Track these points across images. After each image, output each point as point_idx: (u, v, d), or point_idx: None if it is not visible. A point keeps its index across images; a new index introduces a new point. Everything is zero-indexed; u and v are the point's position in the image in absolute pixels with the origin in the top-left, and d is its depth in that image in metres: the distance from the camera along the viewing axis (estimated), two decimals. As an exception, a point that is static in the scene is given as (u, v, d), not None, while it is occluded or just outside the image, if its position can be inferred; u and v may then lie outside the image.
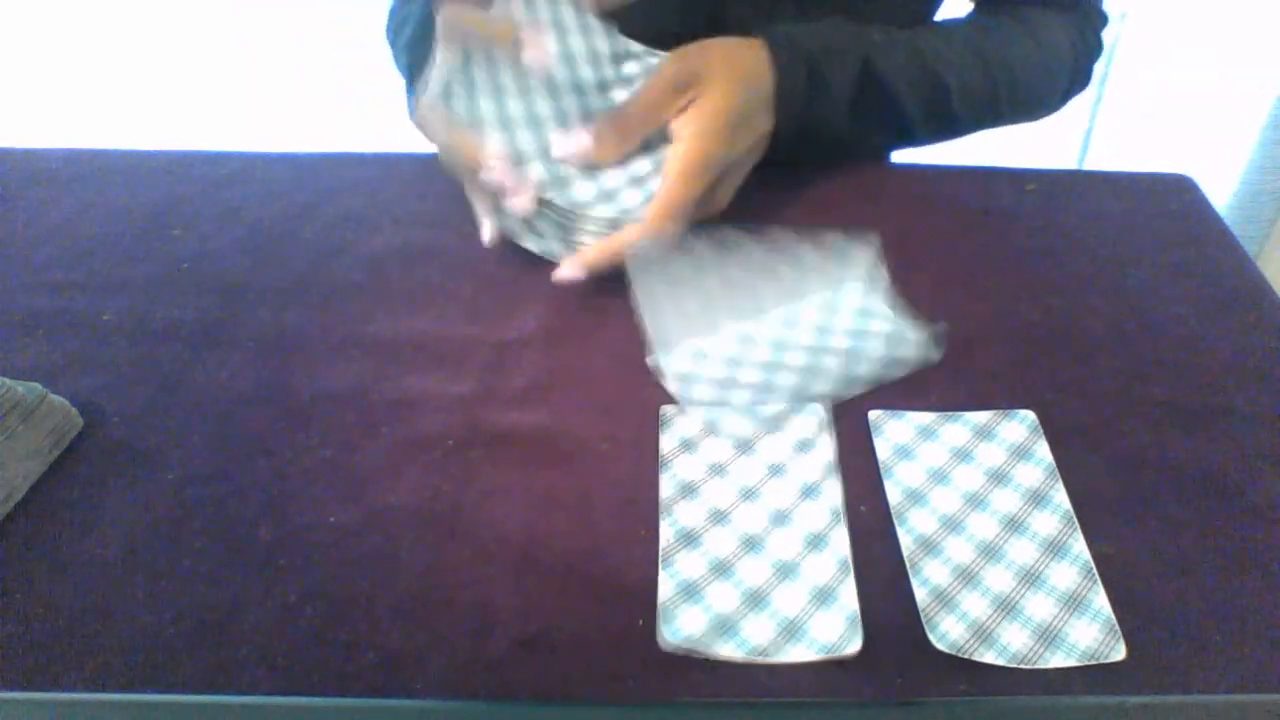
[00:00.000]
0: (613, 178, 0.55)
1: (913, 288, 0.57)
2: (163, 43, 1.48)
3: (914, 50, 0.61)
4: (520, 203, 0.51)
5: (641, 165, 0.56)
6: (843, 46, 0.59)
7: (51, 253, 0.60)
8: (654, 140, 0.56)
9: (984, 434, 0.47)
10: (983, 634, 0.38)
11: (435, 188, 0.67)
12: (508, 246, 0.57)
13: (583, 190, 0.55)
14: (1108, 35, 0.72)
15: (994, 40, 0.64)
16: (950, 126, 0.66)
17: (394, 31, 0.70)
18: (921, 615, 0.38)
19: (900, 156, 0.79)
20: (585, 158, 0.54)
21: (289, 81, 1.51)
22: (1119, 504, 0.44)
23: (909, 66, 0.61)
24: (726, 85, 0.54)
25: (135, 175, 0.68)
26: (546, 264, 0.58)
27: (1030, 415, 0.48)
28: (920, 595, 0.39)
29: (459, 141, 0.53)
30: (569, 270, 0.53)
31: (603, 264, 0.53)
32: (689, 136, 0.53)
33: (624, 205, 0.54)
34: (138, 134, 1.55)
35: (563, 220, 0.54)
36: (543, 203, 0.52)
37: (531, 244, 0.55)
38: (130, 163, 0.70)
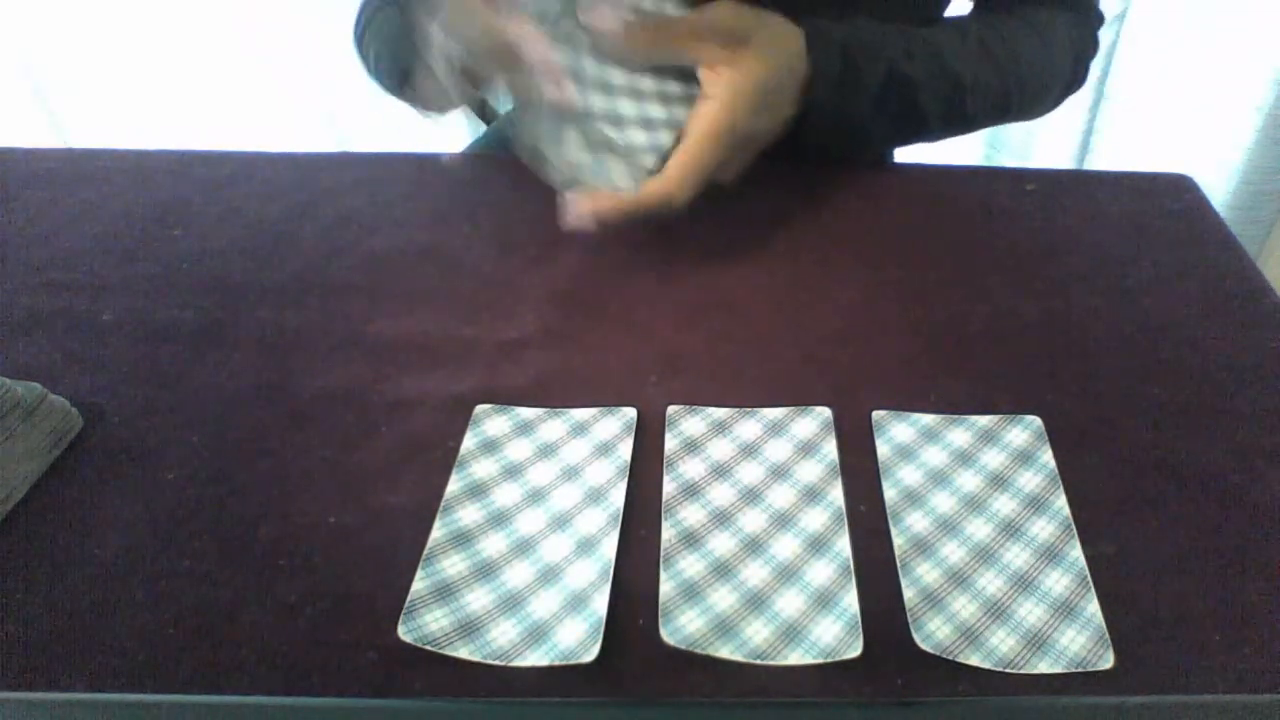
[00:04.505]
0: (626, 106, 0.53)
1: (913, 287, 0.57)
2: (164, 43, 1.48)
3: (934, 49, 0.61)
4: (556, 91, 0.48)
5: (654, 110, 0.54)
6: (874, 43, 0.59)
7: (51, 253, 0.60)
8: (670, 89, 0.54)
9: (988, 438, 0.47)
10: (970, 636, 0.38)
11: (435, 188, 0.67)
12: (506, 248, 0.57)
13: (596, 101, 0.52)
14: (1108, 34, 0.72)
15: (1005, 40, 0.64)
16: (962, 125, 0.67)
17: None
18: (909, 615, 0.38)
19: (901, 156, 0.79)
20: (609, 37, 0.51)
21: (289, 81, 1.51)
22: (1119, 504, 0.44)
23: (931, 66, 0.61)
24: (769, 58, 0.53)
25: (135, 175, 0.68)
26: (546, 264, 0.59)
27: (1036, 421, 0.47)
28: (909, 595, 0.39)
29: (491, 22, 0.48)
30: (580, 218, 0.51)
31: (614, 219, 0.52)
32: (721, 100, 0.52)
33: (629, 139, 0.53)
34: (138, 134, 1.55)
35: (577, 131, 0.52)
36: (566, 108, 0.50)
37: (549, 152, 0.52)
38: (130, 163, 0.70)
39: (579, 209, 0.52)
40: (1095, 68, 0.73)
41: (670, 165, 0.52)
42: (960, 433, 0.47)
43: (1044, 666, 0.37)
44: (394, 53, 0.63)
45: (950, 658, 0.37)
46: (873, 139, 0.65)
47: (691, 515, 0.43)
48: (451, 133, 1.42)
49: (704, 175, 0.52)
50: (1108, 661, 0.36)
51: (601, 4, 0.51)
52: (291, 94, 1.53)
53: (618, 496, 0.43)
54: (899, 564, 0.40)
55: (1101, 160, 1.41)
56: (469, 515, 0.43)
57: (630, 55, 0.53)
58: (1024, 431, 0.47)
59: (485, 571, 0.40)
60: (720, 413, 0.48)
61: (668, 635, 0.37)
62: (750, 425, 0.48)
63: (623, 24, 0.51)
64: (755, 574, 0.40)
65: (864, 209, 0.64)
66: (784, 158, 0.60)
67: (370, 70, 0.68)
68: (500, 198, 0.66)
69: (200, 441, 0.47)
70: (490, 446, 0.46)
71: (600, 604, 0.38)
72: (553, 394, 0.50)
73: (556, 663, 0.36)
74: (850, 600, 0.39)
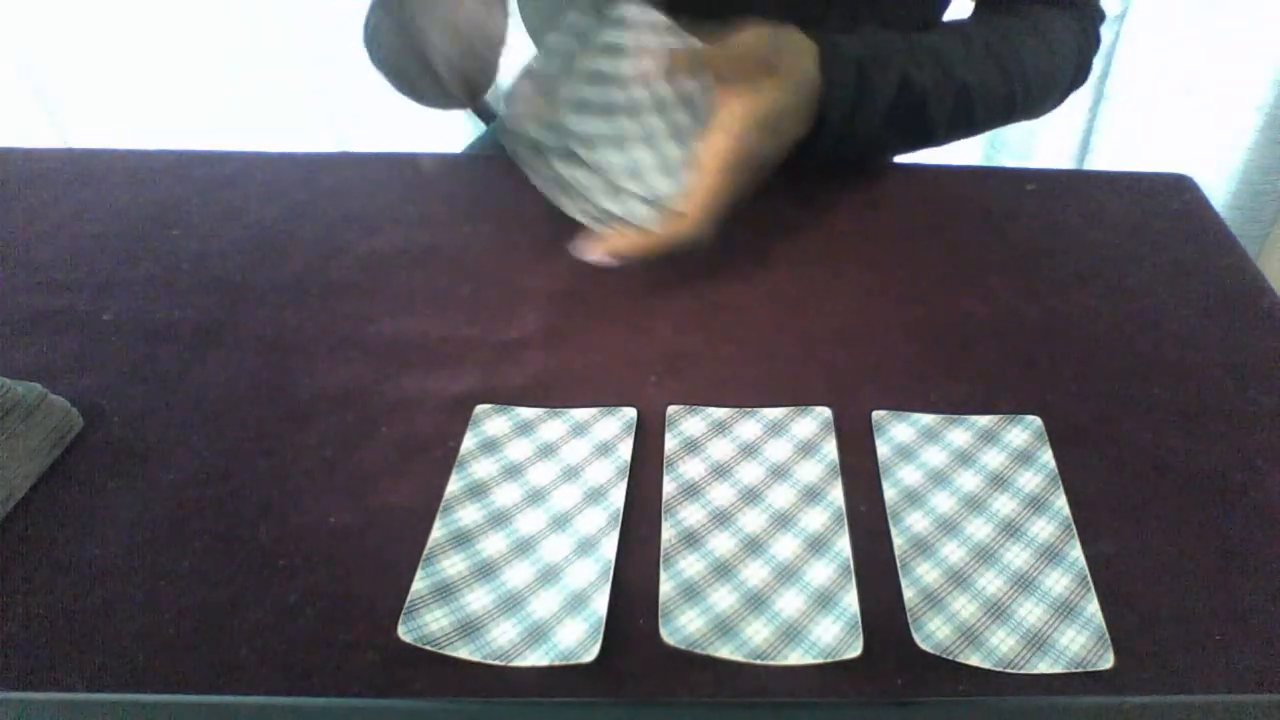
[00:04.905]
0: (644, 157, 0.53)
1: (914, 287, 0.57)
2: (164, 43, 1.47)
3: (940, 59, 0.61)
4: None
5: (673, 152, 0.54)
6: (885, 59, 0.58)
7: (51, 253, 0.60)
8: (684, 128, 0.54)
9: (988, 438, 0.47)
10: (970, 636, 0.38)
11: (435, 188, 0.67)
12: (506, 248, 0.57)
13: (611, 158, 0.53)
14: (1108, 34, 0.72)
15: (1009, 43, 0.64)
16: (968, 130, 0.66)
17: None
18: (909, 615, 0.38)
19: (902, 156, 0.79)
20: (651, 84, 0.51)
21: (289, 81, 1.51)
22: (1119, 504, 0.44)
23: (938, 76, 0.60)
24: (785, 84, 0.53)
25: (135, 175, 0.68)
26: (547, 264, 0.59)
27: (1036, 421, 0.47)
28: (909, 595, 0.39)
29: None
30: (598, 255, 0.52)
31: (634, 255, 0.52)
32: (731, 132, 0.52)
33: (653, 188, 0.53)
34: (138, 134, 1.55)
35: (587, 181, 0.52)
36: (570, 156, 0.51)
37: (542, 184, 0.54)
38: (130, 163, 0.70)
39: (599, 250, 0.52)
40: (1095, 67, 0.72)
41: (690, 203, 0.51)
42: (960, 433, 0.47)
43: (1044, 666, 0.37)
44: (396, 57, 0.63)
45: (950, 658, 0.37)
46: (878, 150, 0.64)
47: (691, 515, 0.43)
48: (451, 132, 1.43)
49: (722, 204, 0.52)
50: (1108, 661, 0.36)
51: (647, 57, 0.51)
52: (291, 94, 1.53)
53: (618, 496, 0.43)
54: (899, 564, 0.40)
55: (1101, 160, 1.41)
56: (469, 515, 0.43)
57: (663, 88, 0.52)
58: (1024, 431, 0.47)
59: (485, 571, 0.40)
60: (720, 413, 0.48)
61: (668, 635, 0.37)
62: (750, 425, 0.48)
63: (663, 71, 0.51)
64: (755, 574, 0.40)
65: (864, 209, 0.64)
66: (785, 167, 0.60)
67: (376, 64, 0.68)
68: (500, 198, 0.66)
69: (200, 441, 0.47)
70: (490, 446, 0.46)
71: (600, 604, 0.38)
72: (553, 394, 0.50)
73: (556, 663, 0.36)
74: (850, 600, 0.39)
